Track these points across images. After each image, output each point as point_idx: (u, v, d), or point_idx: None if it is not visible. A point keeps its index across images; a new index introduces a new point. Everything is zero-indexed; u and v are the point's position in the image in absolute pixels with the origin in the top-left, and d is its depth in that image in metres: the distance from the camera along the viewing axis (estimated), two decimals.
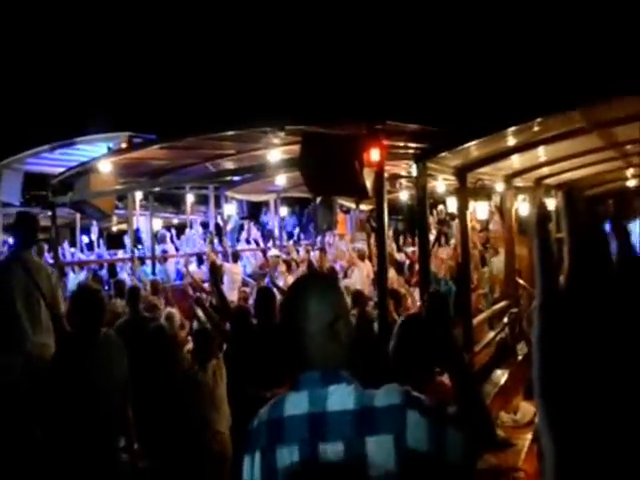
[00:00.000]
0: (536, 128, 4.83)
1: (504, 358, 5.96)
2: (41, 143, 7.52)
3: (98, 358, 3.48)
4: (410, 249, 12.14)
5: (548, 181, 7.85)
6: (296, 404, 1.57)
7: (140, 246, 12.83)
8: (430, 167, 5.00)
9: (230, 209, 13.12)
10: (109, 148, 7.42)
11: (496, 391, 5.01)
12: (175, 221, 16.71)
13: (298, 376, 1.61)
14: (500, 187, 7.33)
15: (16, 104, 14.98)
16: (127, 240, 11.77)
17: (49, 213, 8.17)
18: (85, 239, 14.29)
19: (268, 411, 1.63)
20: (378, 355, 4.49)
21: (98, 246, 13.69)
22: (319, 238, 13.14)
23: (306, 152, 4.83)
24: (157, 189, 10.86)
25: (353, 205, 12.90)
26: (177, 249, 12.50)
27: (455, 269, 8.31)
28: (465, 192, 5.98)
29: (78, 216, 12.31)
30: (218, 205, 11.97)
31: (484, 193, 7.03)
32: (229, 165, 8.45)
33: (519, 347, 6.28)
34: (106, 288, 8.19)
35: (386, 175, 4.84)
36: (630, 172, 8.14)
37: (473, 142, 4.83)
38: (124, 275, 9.68)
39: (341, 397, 1.54)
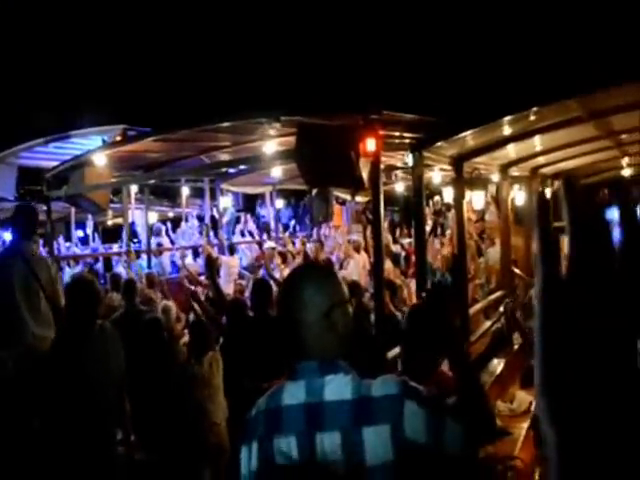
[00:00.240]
0: (532, 117, 4.82)
1: (500, 347, 5.97)
2: (35, 137, 7.48)
3: (94, 349, 3.46)
4: (406, 241, 12.16)
5: (544, 170, 7.85)
6: (293, 394, 1.57)
7: (135, 240, 12.81)
8: (426, 157, 4.99)
9: (226, 202, 13.09)
10: (104, 141, 7.39)
11: (492, 380, 5.02)
12: (170, 214, 16.66)
13: (295, 366, 1.61)
14: (496, 177, 7.33)
15: (10, 98, 14.89)
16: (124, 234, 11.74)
17: (44, 207, 8.13)
18: (80, 233, 14.25)
19: (266, 401, 1.63)
20: (375, 346, 4.50)
21: (93, 240, 13.66)
22: (315, 230, 13.14)
23: (302, 143, 4.81)
24: (152, 182, 10.82)
25: (349, 197, 12.89)
26: (172, 242, 12.49)
27: (450, 260, 8.33)
28: (461, 181, 5.97)
29: (73, 210, 12.27)
30: (214, 198, 11.94)
31: (480, 183, 7.03)
32: (224, 157, 8.43)
33: (515, 337, 6.30)
34: (102, 282, 8.18)
35: (382, 166, 4.82)
36: (625, 161, 8.15)
37: (469, 131, 4.82)
38: (120, 268, 9.66)
39: (338, 387, 1.54)
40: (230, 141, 7.69)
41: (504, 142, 5.65)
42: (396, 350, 4.48)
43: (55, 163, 7.84)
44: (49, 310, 4.38)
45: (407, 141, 5.45)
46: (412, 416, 1.49)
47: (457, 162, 5.71)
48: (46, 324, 4.33)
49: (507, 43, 14.28)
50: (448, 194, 11.49)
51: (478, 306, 6.62)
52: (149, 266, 9.84)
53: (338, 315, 1.62)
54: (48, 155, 7.90)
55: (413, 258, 8.14)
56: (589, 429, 0.49)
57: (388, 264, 7.80)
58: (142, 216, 11.79)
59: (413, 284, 7.09)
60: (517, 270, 7.53)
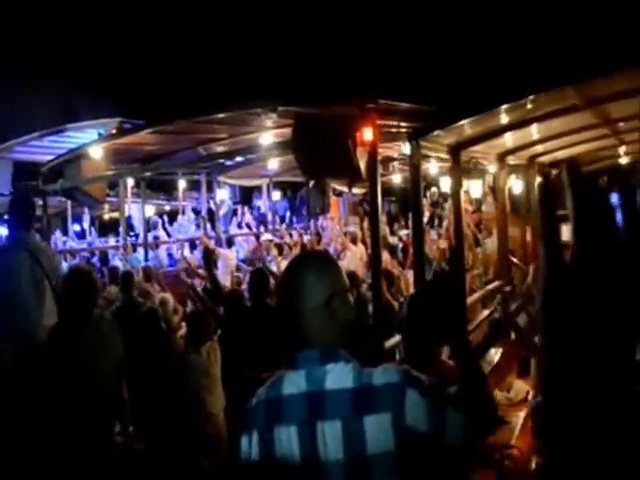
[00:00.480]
0: (529, 105, 4.79)
1: (498, 337, 5.98)
2: (30, 131, 7.45)
3: (91, 338, 3.45)
4: (403, 232, 12.17)
5: (541, 159, 7.83)
6: (294, 383, 1.56)
7: (132, 233, 12.80)
8: (423, 146, 4.96)
9: (222, 194, 13.07)
10: (100, 134, 7.37)
11: (490, 369, 5.03)
12: (167, 208, 16.64)
13: (296, 355, 1.60)
14: (493, 166, 7.31)
15: (5, 93, 14.80)
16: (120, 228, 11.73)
17: (40, 202, 8.10)
18: (77, 227, 14.23)
19: (266, 390, 1.62)
20: (373, 335, 4.50)
21: (90, 234, 13.64)
22: (312, 222, 13.15)
23: (299, 134, 4.78)
24: (149, 175, 10.80)
25: (346, 188, 12.87)
26: (169, 235, 12.48)
27: (447, 250, 8.33)
28: (459, 170, 5.95)
29: (69, 204, 12.26)
30: (210, 190, 11.92)
31: (477, 171, 7.01)
32: (221, 149, 8.40)
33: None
34: (99, 276, 8.16)
35: (379, 157, 4.80)
36: (623, 149, 8.14)
37: (466, 120, 4.80)
38: (117, 262, 9.65)
39: (339, 375, 1.53)
40: (227, 133, 7.67)
41: (501, 130, 5.63)
42: (394, 339, 4.49)
43: (50, 157, 7.81)
44: (53, 300, 4.36)
45: (404, 131, 5.43)
46: (413, 405, 1.48)
47: (454, 151, 5.68)
48: (51, 314, 4.31)
49: (504, 31, 14.25)
50: (445, 184, 11.50)
51: (476, 296, 6.63)
52: (146, 259, 9.84)
53: (339, 303, 1.61)
54: (43, 149, 7.88)
55: (410, 250, 8.14)
56: (589, 413, 0.49)
57: (385, 256, 7.80)
58: (139, 209, 11.78)
59: (410, 275, 7.09)
60: (515, 259, 7.53)
